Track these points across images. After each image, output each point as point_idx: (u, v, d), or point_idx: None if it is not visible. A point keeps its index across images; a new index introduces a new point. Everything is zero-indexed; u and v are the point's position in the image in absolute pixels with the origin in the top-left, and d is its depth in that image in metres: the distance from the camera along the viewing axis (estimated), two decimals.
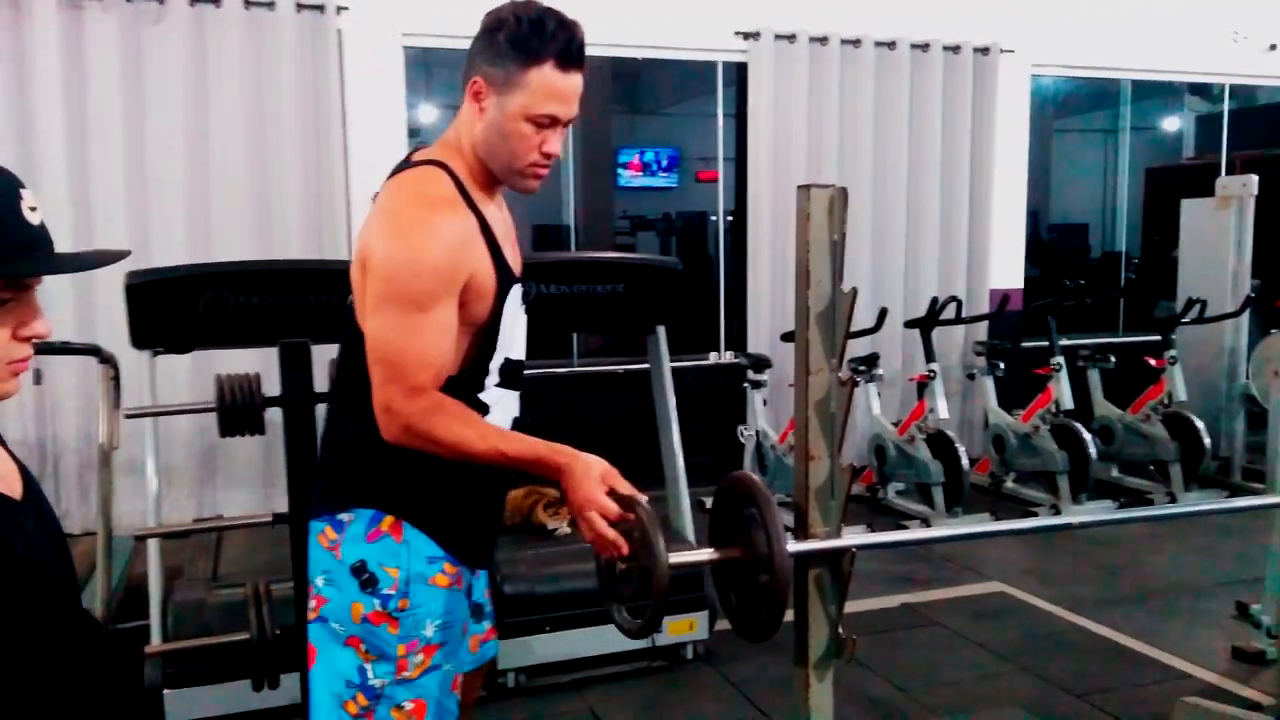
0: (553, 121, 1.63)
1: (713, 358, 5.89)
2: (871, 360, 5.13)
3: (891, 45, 5.80)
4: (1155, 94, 9.80)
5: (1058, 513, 5.07)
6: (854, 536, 1.78)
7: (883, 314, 5.05)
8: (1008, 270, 6.29)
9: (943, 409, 5.15)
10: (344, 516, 1.64)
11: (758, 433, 5.18)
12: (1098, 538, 4.82)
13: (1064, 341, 5.55)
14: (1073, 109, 10.81)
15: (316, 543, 1.68)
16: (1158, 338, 5.66)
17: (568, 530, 3.88)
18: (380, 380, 1.55)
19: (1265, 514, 3.48)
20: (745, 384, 5.30)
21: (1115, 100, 9.89)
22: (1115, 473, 5.72)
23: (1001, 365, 5.58)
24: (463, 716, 1.86)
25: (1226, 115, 7.05)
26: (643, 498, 1.56)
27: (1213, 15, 6.44)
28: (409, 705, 1.64)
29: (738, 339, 5.87)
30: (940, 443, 5.04)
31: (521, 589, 3.29)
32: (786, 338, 5.18)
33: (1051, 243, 10.78)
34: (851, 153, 5.77)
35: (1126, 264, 9.20)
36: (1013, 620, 3.95)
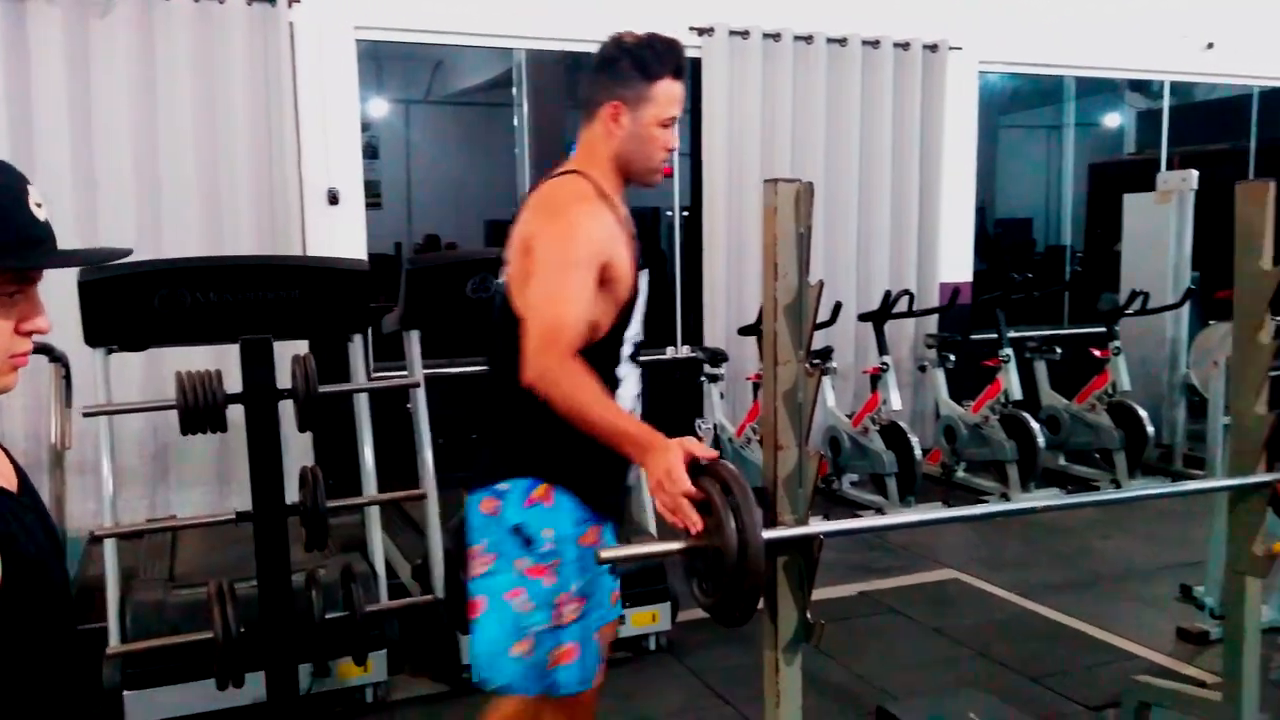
0: (674, 121, 2.00)
1: (669, 352, 5.93)
2: (826, 353, 5.20)
3: (843, 42, 5.87)
4: (1097, 91, 10.02)
5: (1008, 500, 5.19)
6: (818, 524, 1.81)
7: (837, 308, 5.12)
8: (957, 264, 6.40)
9: (895, 401, 5.24)
10: (502, 486, 1.91)
11: (715, 426, 5.23)
12: (1047, 524, 4.94)
13: (1012, 333, 5.67)
14: (1018, 105, 11.01)
15: (478, 510, 1.95)
16: (1102, 329, 5.81)
17: None
18: (531, 330, 1.81)
19: (1206, 499, 3.59)
20: (702, 378, 5.34)
21: (1059, 97, 10.11)
22: (1062, 461, 5.86)
23: (952, 357, 5.68)
24: (603, 668, 2.12)
25: (1167, 112, 7.24)
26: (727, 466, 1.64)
27: (1153, 13, 6.60)
28: (566, 645, 1.92)
29: (694, 333, 5.91)
30: (893, 434, 5.13)
31: None
32: (744, 331, 5.23)
33: (998, 237, 10.99)
34: (804, 148, 5.83)
35: (1071, 257, 9.42)
36: (967, 606, 4.04)
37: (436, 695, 3.24)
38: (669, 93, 1.97)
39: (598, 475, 1.94)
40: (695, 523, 1.64)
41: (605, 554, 1.67)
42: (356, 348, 3.34)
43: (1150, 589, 4.15)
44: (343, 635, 2.85)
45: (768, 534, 1.67)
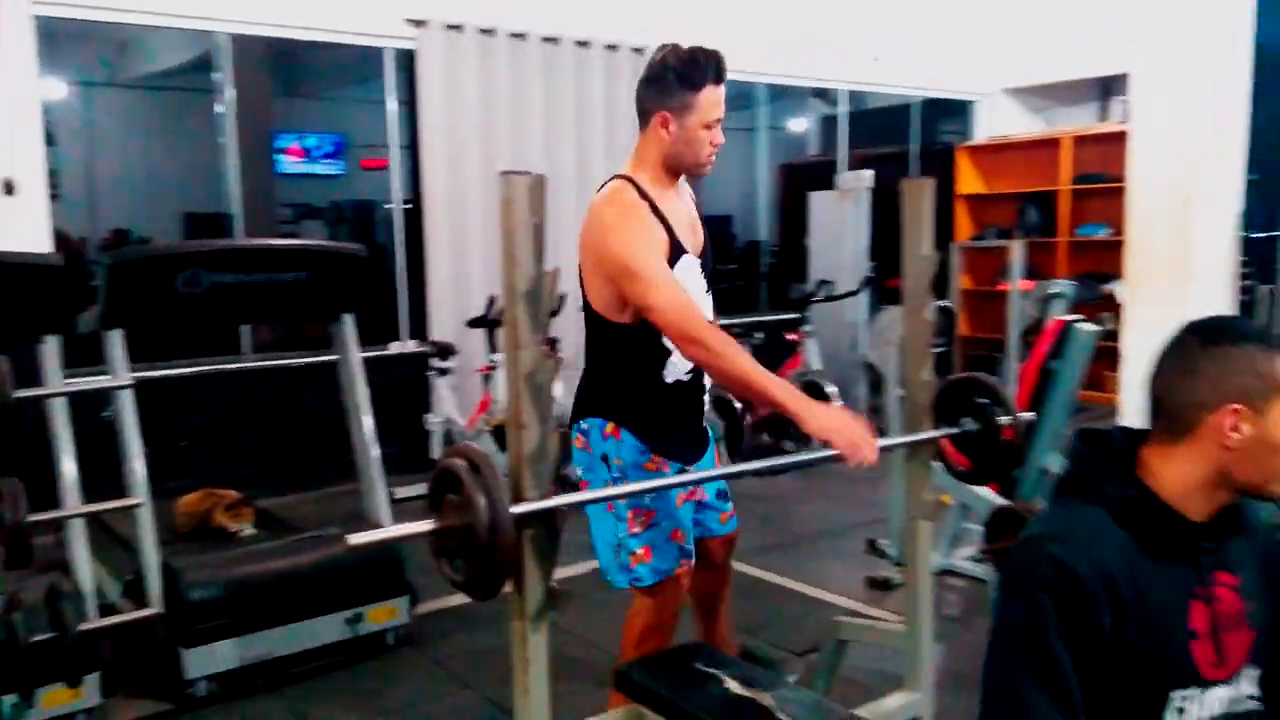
0: (718, 122, 2.34)
1: (394, 347, 5.85)
2: (552, 344, 5.33)
3: (555, 41, 6.04)
4: (785, 97, 10.89)
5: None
6: (561, 497, 1.91)
7: (561, 299, 5.27)
8: None
9: None
10: (585, 425, 2.42)
11: (446, 419, 5.24)
12: (754, 495, 5.37)
13: (718, 321, 6.08)
14: None
15: (575, 445, 2.46)
16: (795, 315, 6.38)
17: (251, 531, 3.75)
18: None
19: (887, 464, 4.08)
20: (430, 372, 5.32)
21: (751, 102, 10.88)
22: (765, 437, 6.38)
23: None
24: (721, 576, 2.78)
25: (845, 118, 8.03)
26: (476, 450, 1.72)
27: (831, 29, 7.29)
28: (640, 550, 2.41)
29: (419, 328, 5.87)
30: None
31: (208, 594, 3.14)
32: (472, 324, 5.26)
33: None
34: (523, 143, 5.94)
35: (765, 251, 10.20)
36: None
37: (157, 715, 3.06)
38: (710, 98, 2.31)
39: (653, 419, 2.41)
40: None
41: (354, 539, 1.69)
42: (49, 349, 3.07)
43: (842, 545, 4.64)
44: (51, 659, 2.63)
45: (516, 509, 1.76)
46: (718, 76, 2.32)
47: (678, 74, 2.30)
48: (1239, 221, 3.18)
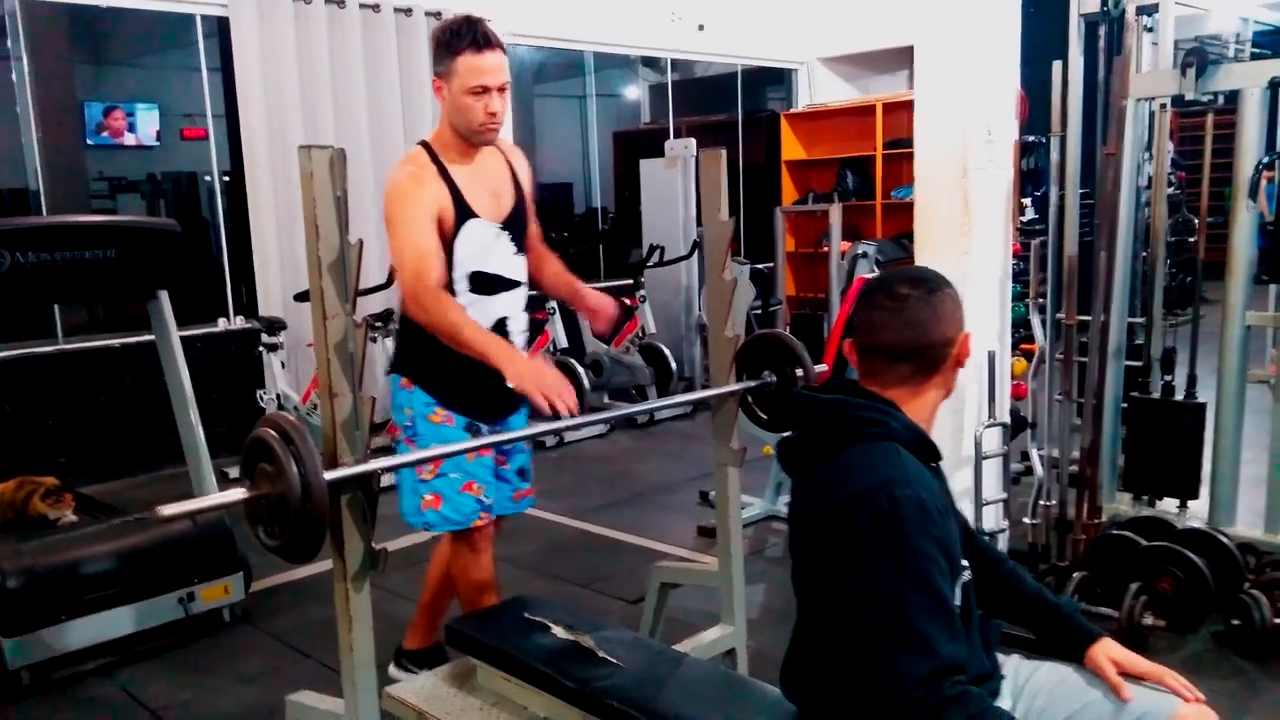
0: (485, 89, 2.36)
1: (222, 324, 5.69)
2: (386, 316, 5.32)
3: (376, 8, 5.95)
4: (616, 65, 11.00)
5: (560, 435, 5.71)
6: (376, 462, 1.98)
7: (393, 271, 5.26)
8: None
9: None
10: (393, 379, 2.59)
11: (279, 395, 5.16)
12: (593, 456, 5.56)
13: None
14: (549, 77, 11.74)
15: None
16: (631, 280, 6.54)
17: (72, 518, 3.67)
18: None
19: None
20: (260, 348, 5.23)
21: (581, 69, 10.96)
22: (606, 399, 6.56)
23: None
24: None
25: (670, 86, 8.21)
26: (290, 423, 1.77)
27: None
28: (429, 496, 2.51)
29: (248, 303, 5.74)
30: None
31: (31, 581, 3.07)
32: (300, 297, 5.18)
33: (541, 200, 11.69)
34: (348, 111, 5.84)
35: (603, 217, 10.34)
36: (530, 534, 4.44)
37: None
38: (469, 65, 2.33)
39: (441, 374, 2.49)
40: None
41: (165, 509, 1.72)
42: None
43: (677, 499, 4.86)
44: None
45: (329, 474, 1.83)
46: (477, 43, 2.34)
47: (441, 40, 2.37)
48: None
